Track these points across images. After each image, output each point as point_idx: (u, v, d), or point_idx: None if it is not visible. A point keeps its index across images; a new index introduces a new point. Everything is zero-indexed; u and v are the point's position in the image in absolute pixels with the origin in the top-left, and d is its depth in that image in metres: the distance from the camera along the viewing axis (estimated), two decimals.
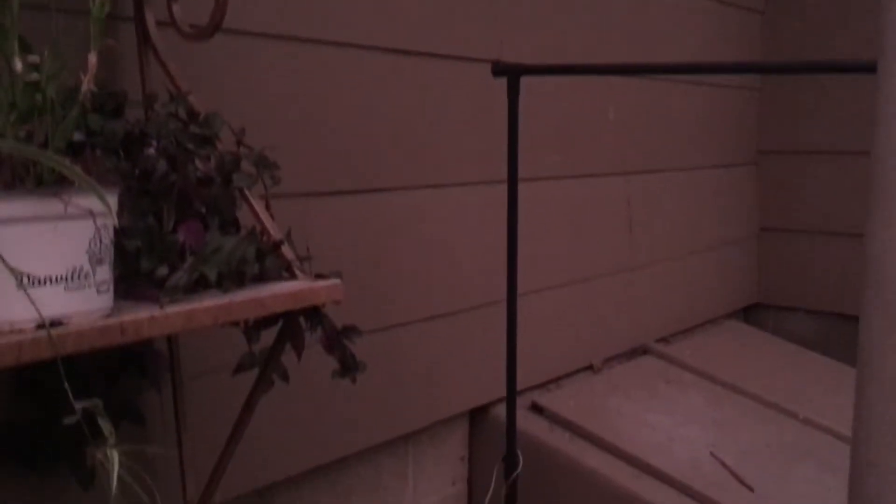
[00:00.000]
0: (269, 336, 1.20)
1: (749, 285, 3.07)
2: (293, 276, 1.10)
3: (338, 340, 1.14)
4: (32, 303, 0.79)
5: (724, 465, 1.89)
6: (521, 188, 1.74)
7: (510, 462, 1.73)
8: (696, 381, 2.35)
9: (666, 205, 2.63)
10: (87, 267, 0.83)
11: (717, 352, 2.59)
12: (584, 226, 2.31)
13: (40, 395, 1.13)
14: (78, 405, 0.79)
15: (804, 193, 3.01)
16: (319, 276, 1.10)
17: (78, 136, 0.97)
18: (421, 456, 1.93)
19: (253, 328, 1.17)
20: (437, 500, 1.98)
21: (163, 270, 1.01)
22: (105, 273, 0.85)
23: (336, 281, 1.08)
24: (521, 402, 2.05)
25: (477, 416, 2.04)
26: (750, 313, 3.11)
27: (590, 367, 2.33)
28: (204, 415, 1.37)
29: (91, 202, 0.81)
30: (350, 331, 1.14)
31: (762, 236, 3.10)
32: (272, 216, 1.16)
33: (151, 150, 1.08)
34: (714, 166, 2.87)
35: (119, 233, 0.97)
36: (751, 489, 1.82)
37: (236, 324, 1.20)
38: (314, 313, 1.11)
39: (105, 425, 0.80)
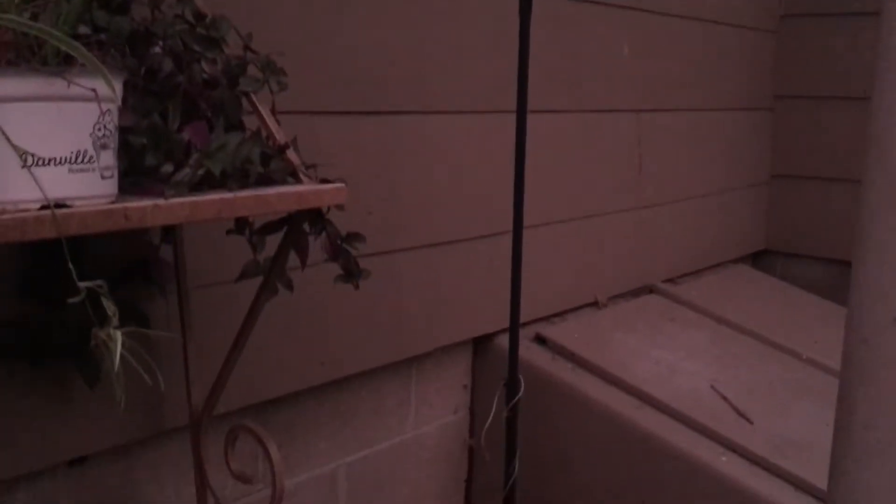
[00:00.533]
0: (273, 246, 1.21)
1: (758, 231, 3.06)
2: (298, 182, 1.11)
3: (341, 246, 1.15)
4: (37, 182, 0.79)
5: (724, 398, 1.91)
6: (531, 120, 1.72)
7: (511, 387, 1.74)
8: (701, 319, 2.36)
9: (677, 145, 2.61)
10: (91, 151, 0.83)
11: (724, 293, 2.59)
12: (593, 161, 2.29)
13: (46, 294, 1.14)
14: (82, 285, 0.80)
15: (818, 140, 2.98)
16: (324, 181, 1.11)
17: (83, 30, 0.97)
18: (423, 382, 1.95)
19: (257, 233, 1.18)
20: (439, 426, 2.01)
21: (168, 167, 1.02)
22: (109, 159, 0.86)
23: (341, 185, 1.09)
24: (525, 334, 2.06)
25: (481, 345, 2.05)
26: (758, 259, 3.11)
27: (595, 303, 2.33)
28: (209, 325, 1.39)
29: (96, 84, 0.81)
30: (353, 237, 1.15)
31: (773, 183, 3.08)
32: (278, 122, 1.16)
33: (157, 50, 1.08)
34: (729, 109, 2.83)
35: (124, 129, 0.98)
36: (749, 421, 1.84)
37: (241, 230, 1.21)
38: (318, 217, 1.12)
39: (108, 305, 0.81)
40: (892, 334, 0.71)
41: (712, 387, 1.96)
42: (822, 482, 1.39)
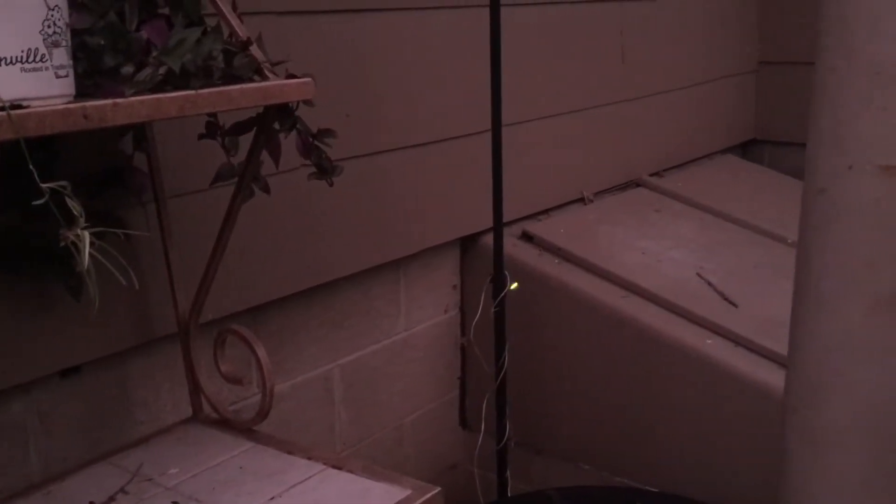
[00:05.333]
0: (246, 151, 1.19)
1: (746, 120, 3.04)
2: (264, 79, 1.09)
3: (313, 143, 1.14)
4: None
5: (709, 283, 1.93)
6: (506, 12, 1.68)
7: (498, 282, 1.76)
8: (688, 210, 2.36)
9: (661, 35, 2.56)
10: (42, 49, 0.81)
11: (711, 184, 2.59)
12: (574, 55, 2.25)
13: (20, 203, 1.14)
14: (45, 186, 0.80)
15: (806, 24, 2.91)
16: (291, 77, 1.09)
17: None
18: (412, 284, 1.97)
19: (228, 133, 1.17)
20: (430, 326, 2.04)
21: (128, 69, 1.00)
22: (63, 57, 0.84)
23: (307, 79, 1.07)
24: (511, 232, 2.07)
25: (468, 245, 2.06)
26: (747, 149, 3.09)
27: (581, 199, 2.33)
28: (190, 232, 1.39)
29: None
30: (324, 133, 1.14)
31: (761, 70, 3.03)
32: (241, 18, 1.13)
33: None
34: None
35: (81, 31, 0.96)
36: (734, 305, 1.86)
37: (213, 134, 1.20)
38: (287, 114, 1.10)
39: (73, 205, 0.81)
40: (848, 182, 0.71)
41: (698, 274, 1.98)
42: None
